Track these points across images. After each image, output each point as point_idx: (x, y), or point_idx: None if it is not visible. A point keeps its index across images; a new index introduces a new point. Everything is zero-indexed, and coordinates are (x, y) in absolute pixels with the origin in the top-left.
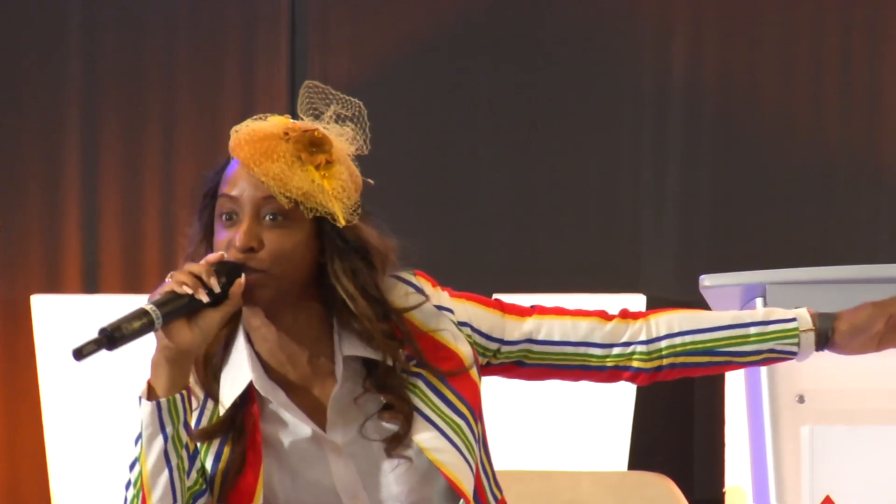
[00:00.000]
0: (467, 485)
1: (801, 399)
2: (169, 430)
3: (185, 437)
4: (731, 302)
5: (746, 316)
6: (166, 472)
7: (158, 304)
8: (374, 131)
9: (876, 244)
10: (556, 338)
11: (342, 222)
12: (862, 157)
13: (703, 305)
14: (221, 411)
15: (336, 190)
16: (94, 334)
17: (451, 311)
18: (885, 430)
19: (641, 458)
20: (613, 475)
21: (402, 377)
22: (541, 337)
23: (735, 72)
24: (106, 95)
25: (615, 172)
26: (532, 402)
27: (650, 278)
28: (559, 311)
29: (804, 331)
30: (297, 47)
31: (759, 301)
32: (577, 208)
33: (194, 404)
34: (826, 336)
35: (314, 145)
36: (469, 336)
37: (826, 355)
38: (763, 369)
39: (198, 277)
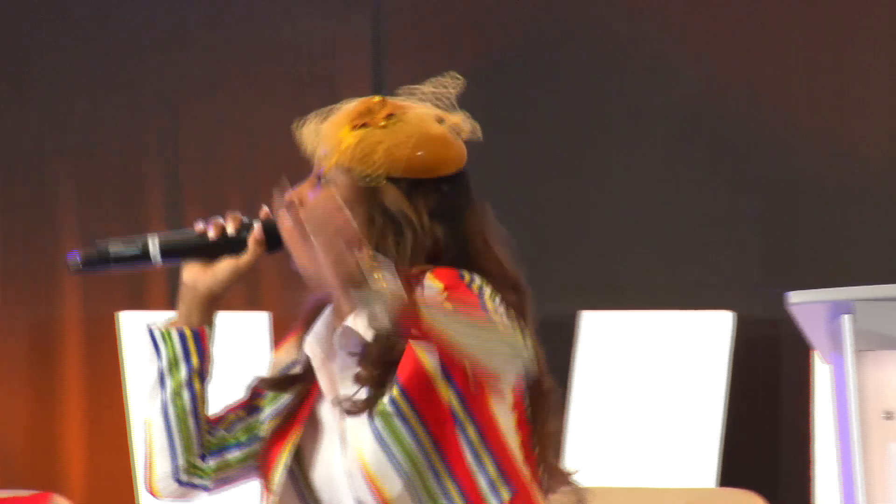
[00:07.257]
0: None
1: (889, 415)
2: (164, 360)
3: (183, 374)
4: (818, 319)
5: None
6: (160, 397)
7: (164, 238)
8: None
9: None
10: None
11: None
12: None
13: (791, 323)
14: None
15: (366, 149)
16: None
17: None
18: None
19: (730, 474)
20: (702, 492)
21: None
22: None
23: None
24: (188, 109)
25: (698, 189)
26: (620, 417)
27: (737, 295)
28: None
29: None
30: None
31: (846, 318)
32: (661, 225)
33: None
34: None
35: (370, 111)
36: None
37: None
38: (851, 385)
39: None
